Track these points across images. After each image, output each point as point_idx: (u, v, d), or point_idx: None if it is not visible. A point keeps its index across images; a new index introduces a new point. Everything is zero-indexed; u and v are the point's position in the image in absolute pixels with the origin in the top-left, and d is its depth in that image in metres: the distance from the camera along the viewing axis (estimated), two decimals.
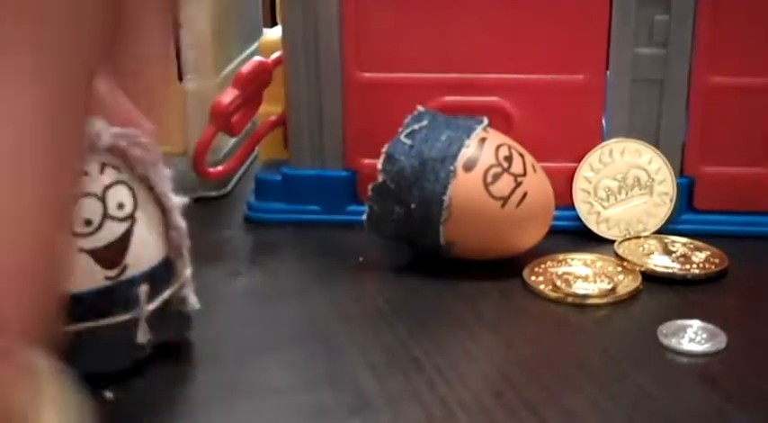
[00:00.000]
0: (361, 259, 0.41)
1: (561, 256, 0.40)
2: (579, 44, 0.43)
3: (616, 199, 0.43)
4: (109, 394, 0.30)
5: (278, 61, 0.46)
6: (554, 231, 0.40)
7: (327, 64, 0.44)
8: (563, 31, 0.43)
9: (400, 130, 0.39)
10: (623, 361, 0.32)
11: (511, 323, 0.36)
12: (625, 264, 0.39)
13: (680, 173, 0.44)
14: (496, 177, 0.38)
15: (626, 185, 0.43)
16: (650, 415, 0.29)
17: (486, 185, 0.38)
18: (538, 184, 0.39)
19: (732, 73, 0.42)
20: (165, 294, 0.31)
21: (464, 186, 0.37)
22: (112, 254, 0.29)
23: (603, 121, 0.44)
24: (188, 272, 0.32)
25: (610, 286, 0.37)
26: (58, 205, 0.18)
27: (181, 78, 0.47)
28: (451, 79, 0.43)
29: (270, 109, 0.47)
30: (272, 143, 0.48)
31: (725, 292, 0.38)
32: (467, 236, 0.38)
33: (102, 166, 0.29)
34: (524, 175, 0.38)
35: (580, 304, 0.37)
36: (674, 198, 0.43)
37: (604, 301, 0.37)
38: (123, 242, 0.30)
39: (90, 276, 0.29)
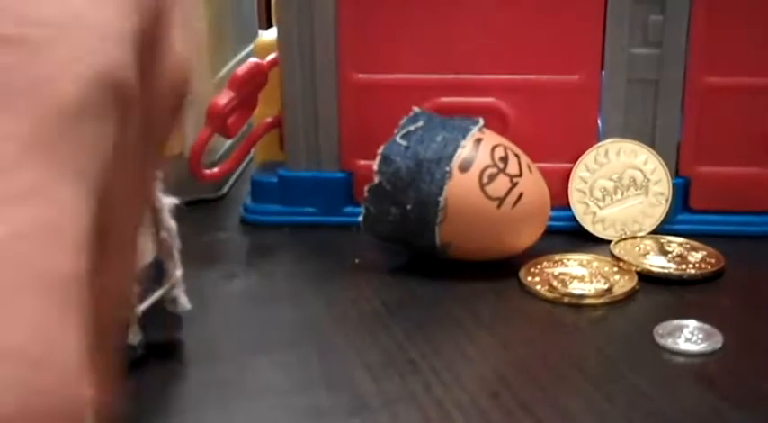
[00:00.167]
0: (357, 261, 0.41)
1: (557, 257, 0.40)
2: (574, 45, 0.43)
3: (612, 199, 0.43)
4: None
5: (273, 63, 0.46)
6: (550, 232, 0.40)
7: (323, 65, 0.44)
8: (558, 32, 0.43)
9: (396, 131, 0.39)
10: (619, 361, 0.32)
11: (507, 324, 0.36)
12: (621, 264, 0.39)
13: (675, 173, 0.44)
14: (492, 178, 0.38)
15: (622, 186, 0.43)
16: (647, 415, 0.29)
17: (482, 186, 0.38)
18: (534, 185, 0.39)
19: (727, 73, 0.42)
20: (157, 295, 0.31)
21: (460, 187, 0.37)
22: None
23: (599, 122, 0.44)
24: (179, 272, 0.32)
25: (606, 286, 0.37)
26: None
27: None
28: (447, 80, 0.43)
29: (266, 111, 0.47)
30: (267, 145, 0.48)
31: (721, 292, 0.38)
32: (463, 237, 0.38)
33: None
34: (520, 175, 0.38)
35: (576, 304, 0.37)
36: (670, 198, 0.43)
37: (600, 301, 0.37)
38: None
39: None
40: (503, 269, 0.39)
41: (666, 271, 0.39)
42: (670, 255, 0.40)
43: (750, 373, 0.32)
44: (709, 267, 0.39)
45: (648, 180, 0.43)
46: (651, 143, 0.43)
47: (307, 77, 0.44)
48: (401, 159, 0.38)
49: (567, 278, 0.38)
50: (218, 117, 0.44)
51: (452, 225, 0.38)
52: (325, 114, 0.45)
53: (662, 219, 0.43)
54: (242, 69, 0.45)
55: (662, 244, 0.41)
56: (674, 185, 0.43)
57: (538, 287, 0.38)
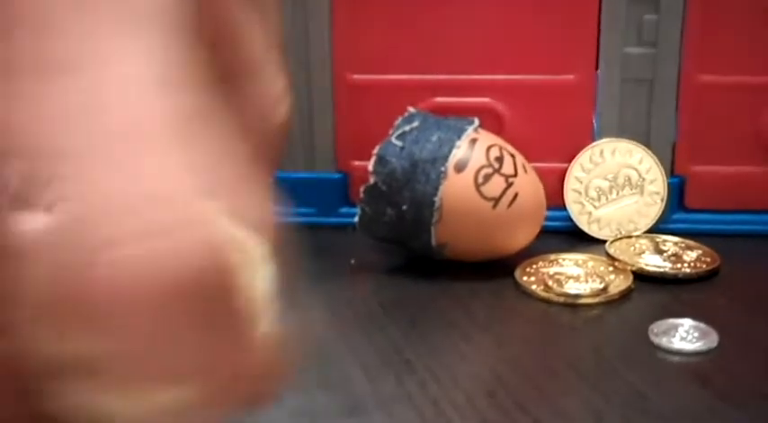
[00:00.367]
0: (353, 261, 0.41)
1: (553, 257, 0.40)
2: (569, 44, 0.43)
3: (607, 199, 0.43)
4: None
5: None
6: (545, 232, 0.40)
7: (318, 66, 0.44)
8: (553, 32, 0.43)
9: (391, 131, 0.39)
10: (615, 360, 0.32)
11: (503, 323, 0.36)
12: (616, 263, 0.40)
13: (670, 172, 0.44)
14: (487, 178, 0.38)
15: (617, 185, 0.43)
16: (642, 414, 0.29)
17: (478, 186, 0.38)
18: (529, 185, 0.39)
19: (721, 72, 0.43)
20: None
21: (455, 187, 0.38)
22: None
23: (594, 121, 0.44)
24: None
25: (601, 286, 0.37)
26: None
27: None
28: (442, 80, 0.43)
29: None
30: None
31: (716, 291, 0.38)
32: (458, 237, 0.38)
33: None
34: (515, 175, 0.38)
35: (572, 304, 0.37)
36: (665, 197, 0.43)
37: (596, 300, 0.37)
38: None
39: None
40: (498, 269, 0.39)
41: (662, 270, 0.39)
42: (665, 254, 0.40)
43: (745, 372, 0.32)
44: (704, 266, 0.39)
45: (644, 179, 0.43)
46: (646, 142, 0.43)
47: (301, 78, 0.44)
48: (396, 160, 0.38)
49: (562, 278, 0.38)
50: None
51: (448, 225, 0.38)
52: (321, 115, 0.45)
53: (657, 218, 0.43)
54: None
55: (657, 243, 0.42)
56: (669, 185, 0.43)
57: (533, 287, 0.38)
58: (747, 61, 0.42)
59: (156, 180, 0.14)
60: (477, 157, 0.38)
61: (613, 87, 0.43)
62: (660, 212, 0.43)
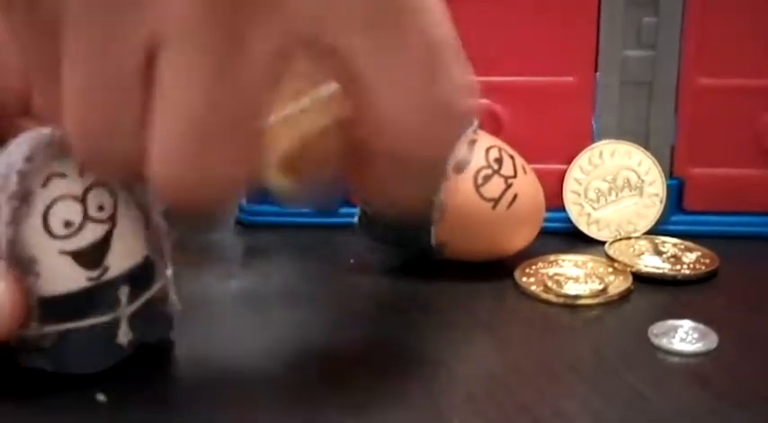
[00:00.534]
0: (352, 261, 0.41)
1: (552, 258, 0.40)
2: (568, 47, 0.43)
3: (606, 200, 0.43)
4: (101, 397, 0.30)
5: None
6: (545, 233, 0.40)
7: None
8: (552, 34, 0.43)
9: None
10: (615, 361, 0.32)
11: (502, 324, 0.36)
12: (616, 264, 0.40)
13: (669, 174, 0.44)
14: (487, 179, 0.38)
15: (616, 187, 0.43)
16: (642, 415, 0.29)
17: (477, 187, 0.38)
18: (528, 186, 0.39)
19: (721, 74, 0.43)
20: (147, 295, 0.31)
21: (455, 188, 0.38)
22: (94, 255, 0.30)
23: (593, 123, 0.44)
24: (169, 272, 0.32)
25: (601, 287, 0.37)
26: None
27: None
28: None
29: None
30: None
31: (715, 292, 0.38)
32: (458, 238, 0.38)
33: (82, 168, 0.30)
34: (515, 176, 0.38)
35: (571, 305, 0.37)
36: (664, 199, 0.43)
37: (595, 301, 0.37)
38: (104, 243, 0.30)
39: (72, 278, 0.29)
40: (498, 270, 0.39)
41: (661, 271, 0.39)
42: (664, 255, 0.41)
43: (745, 373, 0.32)
44: (703, 268, 0.39)
45: (643, 181, 0.43)
46: (645, 144, 0.44)
47: None
48: None
49: (561, 279, 0.38)
50: None
51: (447, 226, 0.38)
52: None
53: (656, 219, 0.43)
54: None
55: (656, 244, 0.42)
56: (668, 186, 0.43)
57: (533, 288, 0.38)
58: (746, 64, 0.43)
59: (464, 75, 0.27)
60: (477, 159, 0.38)
61: (613, 90, 0.43)
62: (659, 214, 0.43)
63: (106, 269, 0.30)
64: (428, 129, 0.26)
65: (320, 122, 0.27)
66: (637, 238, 0.42)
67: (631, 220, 0.43)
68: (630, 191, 0.43)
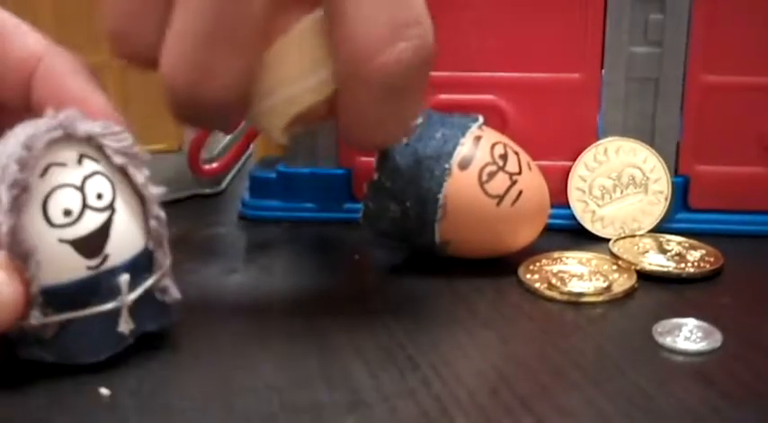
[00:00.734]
0: (356, 257, 0.41)
1: (556, 255, 0.40)
2: (574, 43, 0.43)
3: (611, 197, 0.43)
4: (105, 391, 0.30)
5: None
6: (549, 230, 0.40)
7: None
8: (558, 30, 0.43)
9: None
10: (619, 359, 0.32)
11: (506, 321, 0.36)
12: (620, 262, 0.39)
13: (675, 172, 0.44)
14: (492, 176, 0.38)
15: (621, 184, 0.43)
16: (645, 413, 0.29)
17: (482, 184, 0.38)
18: (533, 183, 0.39)
19: (727, 72, 0.43)
20: (146, 284, 0.31)
21: (459, 184, 0.37)
22: (93, 244, 0.30)
23: (598, 120, 0.44)
24: (168, 262, 0.32)
25: (605, 284, 0.37)
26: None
27: None
28: (447, 77, 0.43)
29: None
30: (267, 140, 0.48)
31: (720, 291, 0.38)
32: (462, 234, 0.38)
33: (81, 157, 0.30)
34: (519, 173, 0.38)
35: (575, 302, 0.37)
36: (669, 197, 0.43)
37: (599, 299, 0.37)
38: (104, 232, 0.30)
39: (72, 266, 0.29)
40: (502, 267, 0.39)
41: (665, 269, 0.39)
42: (669, 253, 0.40)
43: (749, 372, 0.32)
44: (707, 266, 0.39)
45: (648, 178, 0.43)
46: (650, 142, 0.43)
47: None
48: (400, 156, 0.38)
49: (566, 276, 0.38)
50: None
51: (452, 222, 0.38)
52: None
53: (661, 217, 0.43)
54: None
55: (661, 242, 0.41)
56: (673, 184, 0.43)
57: (537, 285, 0.38)
58: (753, 61, 0.42)
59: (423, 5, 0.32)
60: (482, 155, 0.38)
61: (618, 86, 0.43)
62: (664, 212, 0.43)
63: (106, 258, 0.30)
64: (388, 46, 0.31)
65: (316, 99, 0.32)
66: (641, 235, 0.42)
67: (636, 218, 0.43)
68: (635, 188, 0.43)
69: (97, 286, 0.30)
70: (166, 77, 0.30)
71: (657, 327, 0.34)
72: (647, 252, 0.41)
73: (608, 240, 0.42)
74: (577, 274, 0.38)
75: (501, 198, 0.38)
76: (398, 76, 0.31)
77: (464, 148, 0.38)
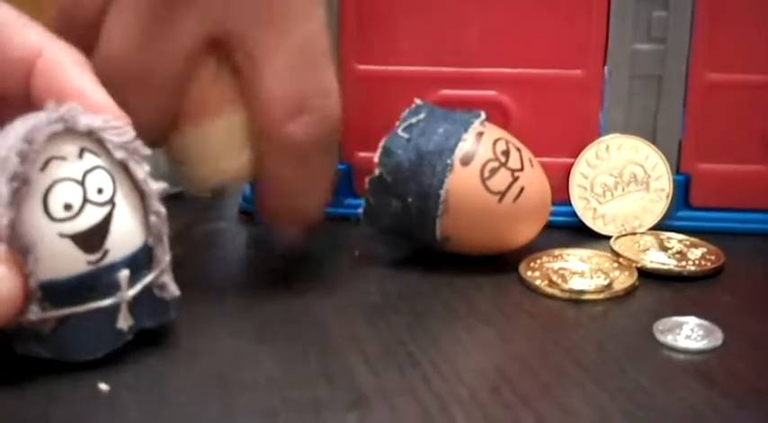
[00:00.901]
0: (357, 253, 0.41)
1: (557, 252, 0.40)
2: (577, 39, 0.43)
3: (612, 195, 0.43)
4: (103, 386, 0.30)
5: None
6: (550, 226, 0.40)
7: None
8: (561, 26, 0.43)
9: (397, 123, 0.39)
10: (619, 357, 0.32)
11: (507, 318, 0.36)
12: (621, 260, 0.39)
13: (676, 169, 0.44)
14: (494, 172, 0.38)
15: (622, 181, 0.43)
16: (646, 411, 0.29)
17: (483, 180, 0.37)
18: (535, 179, 0.39)
19: (729, 70, 0.42)
20: (146, 280, 0.31)
21: (461, 180, 0.37)
22: (93, 238, 0.30)
23: (601, 117, 0.44)
24: (167, 258, 0.32)
25: (606, 282, 0.37)
26: None
27: None
28: (449, 73, 0.43)
29: None
30: None
31: (721, 289, 0.38)
32: (463, 230, 0.38)
33: (81, 151, 0.30)
34: (521, 169, 0.38)
35: (576, 300, 0.37)
36: (671, 194, 0.43)
37: (600, 296, 0.37)
38: (104, 227, 0.30)
39: (71, 261, 0.29)
40: (503, 263, 0.39)
41: (666, 267, 0.39)
42: (670, 251, 0.40)
43: (750, 370, 0.31)
44: (708, 264, 0.39)
45: (649, 176, 0.43)
46: (652, 139, 0.43)
47: None
48: (402, 152, 0.38)
49: (566, 273, 0.38)
50: None
51: (453, 218, 0.38)
52: None
53: (662, 215, 0.43)
54: None
55: (662, 240, 0.41)
56: (674, 182, 0.43)
57: (538, 282, 0.38)
58: (756, 59, 0.42)
59: (331, 82, 0.35)
60: (484, 151, 0.38)
61: (621, 83, 0.43)
62: (665, 209, 0.43)
63: (106, 253, 0.30)
64: (294, 116, 0.34)
65: (239, 175, 0.37)
66: (642, 233, 0.42)
67: (637, 215, 0.43)
68: (637, 186, 0.43)
69: (97, 282, 0.30)
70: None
71: (658, 325, 0.34)
72: (648, 250, 0.40)
73: (609, 238, 0.42)
74: (578, 271, 0.38)
75: (502, 194, 0.38)
76: (304, 143, 0.35)
77: (466, 143, 0.38)
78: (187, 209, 0.36)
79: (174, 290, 0.32)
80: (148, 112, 0.34)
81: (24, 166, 0.28)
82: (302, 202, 0.37)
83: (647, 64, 0.43)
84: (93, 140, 0.30)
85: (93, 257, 0.30)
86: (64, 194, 0.29)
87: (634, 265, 0.39)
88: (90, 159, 0.30)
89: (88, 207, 0.29)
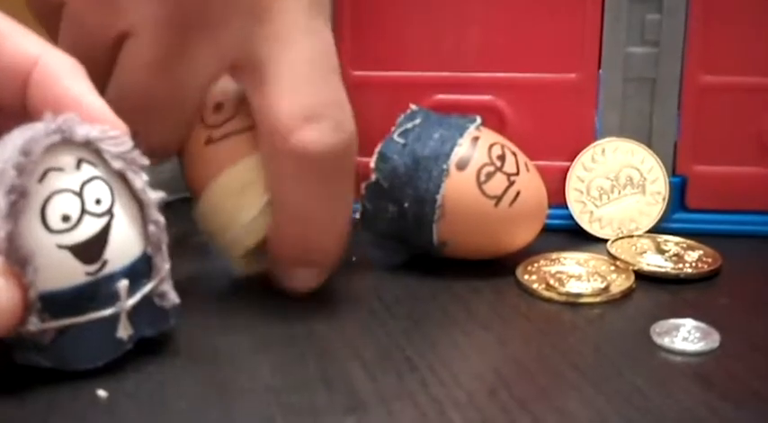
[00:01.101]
0: (354, 258, 0.41)
1: (554, 255, 0.40)
2: (572, 43, 0.43)
3: (609, 198, 0.43)
4: (102, 393, 0.30)
5: None
6: (547, 230, 0.40)
7: None
8: (555, 30, 0.43)
9: (393, 128, 0.39)
10: (617, 360, 0.32)
11: (504, 322, 0.36)
12: (618, 263, 0.40)
13: (672, 172, 0.44)
14: (489, 176, 0.38)
15: (618, 184, 0.43)
16: (643, 413, 0.29)
17: (480, 184, 0.38)
18: (531, 183, 0.39)
19: (724, 72, 0.43)
20: (145, 290, 0.31)
21: (457, 185, 0.37)
22: (92, 249, 0.30)
23: (596, 120, 0.44)
24: (167, 267, 0.32)
25: (603, 285, 0.37)
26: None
27: None
28: (444, 78, 0.43)
29: None
30: None
31: (718, 292, 0.38)
32: (460, 235, 0.38)
33: (79, 162, 0.30)
34: (517, 173, 0.38)
35: (573, 303, 0.37)
36: (667, 197, 0.43)
37: (597, 299, 0.37)
38: (102, 237, 0.30)
39: (70, 272, 0.29)
40: (500, 267, 0.39)
41: (663, 270, 0.39)
42: (667, 254, 0.40)
43: (747, 373, 0.32)
44: (705, 267, 0.39)
45: (645, 179, 0.43)
46: (648, 142, 0.43)
47: None
48: (398, 157, 0.38)
49: (563, 277, 0.38)
50: None
51: (450, 223, 0.38)
52: None
53: (659, 218, 0.43)
54: None
55: (659, 243, 0.41)
56: (670, 184, 0.43)
57: (535, 285, 0.38)
58: (750, 61, 0.42)
59: (342, 94, 0.35)
60: (479, 155, 0.38)
61: (616, 87, 0.43)
62: (662, 212, 0.43)
63: (105, 263, 0.30)
64: (303, 125, 0.34)
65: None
66: (639, 236, 0.42)
67: (634, 218, 0.43)
68: (633, 189, 0.43)
69: (96, 292, 0.30)
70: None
71: (655, 327, 0.34)
72: (644, 252, 0.41)
73: (606, 241, 0.42)
74: (575, 274, 0.38)
75: (499, 199, 0.38)
76: (317, 152, 0.34)
77: (462, 148, 0.38)
78: (186, 217, 0.36)
79: (173, 298, 0.32)
80: (162, 135, 0.35)
81: (22, 178, 0.28)
82: (317, 231, 0.35)
83: (642, 67, 0.43)
84: (91, 151, 0.30)
85: (91, 268, 0.30)
86: (62, 206, 0.29)
87: (631, 267, 0.39)
88: (88, 170, 0.30)
89: (86, 218, 0.29)
